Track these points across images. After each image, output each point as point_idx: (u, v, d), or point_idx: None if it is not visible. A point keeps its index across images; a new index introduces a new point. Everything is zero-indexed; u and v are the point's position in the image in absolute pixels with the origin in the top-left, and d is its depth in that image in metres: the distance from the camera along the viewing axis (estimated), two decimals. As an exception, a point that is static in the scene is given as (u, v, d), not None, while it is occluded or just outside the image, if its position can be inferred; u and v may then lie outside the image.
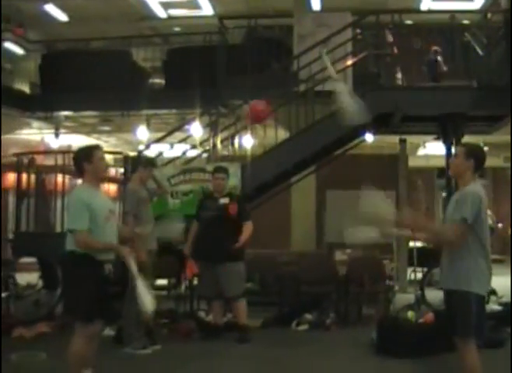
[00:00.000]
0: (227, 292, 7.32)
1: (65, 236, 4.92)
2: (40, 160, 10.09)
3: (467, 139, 10.62)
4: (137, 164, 7.32)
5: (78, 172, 4.98)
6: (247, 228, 7.31)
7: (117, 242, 4.98)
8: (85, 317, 4.77)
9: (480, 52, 9.80)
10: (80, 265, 4.76)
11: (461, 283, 4.40)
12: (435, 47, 9.73)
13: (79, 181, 5.08)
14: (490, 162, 18.64)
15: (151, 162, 7.42)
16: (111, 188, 11.08)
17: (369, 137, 10.60)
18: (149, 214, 6.97)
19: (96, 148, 5.07)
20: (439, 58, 9.66)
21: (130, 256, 4.94)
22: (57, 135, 13.37)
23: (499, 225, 16.97)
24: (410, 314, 6.83)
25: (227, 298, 7.48)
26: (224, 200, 7.38)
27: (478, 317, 4.38)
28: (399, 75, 9.91)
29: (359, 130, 9.30)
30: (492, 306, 8.52)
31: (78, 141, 14.35)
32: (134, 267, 4.94)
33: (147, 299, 4.95)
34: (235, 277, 7.28)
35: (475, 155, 4.58)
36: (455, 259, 4.44)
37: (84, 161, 4.89)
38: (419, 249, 10.83)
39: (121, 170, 9.42)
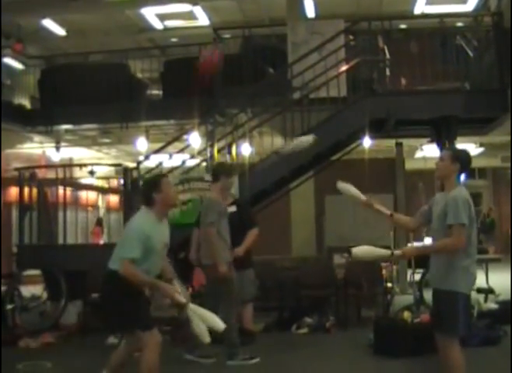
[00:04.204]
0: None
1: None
2: (42, 174, 10.23)
3: (462, 141, 10.77)
4: (219, 173, 6.97)
5: (147, 202, 4.87)
6: (251, 235, 7.31)
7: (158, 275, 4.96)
8: (145, 326, 4.75)
9: (471, 55, 9.94)
10: (123, 283, 4.69)
11: (449, 283, 4.52)
12: None
13: (143, 208, 4.89)
14: (489, 162, 18.78)
15: (234, 169, 7.21)
16: (112, 199, 11.20)
17: (366, 142, 10.67)
18: (227, 227, 6.81)
19: (163, 176, 5.18)
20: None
21: (172, 292, 4.85)
22: (58, 149, 13.54)
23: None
24: (406, 314, 6.92)
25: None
26: (230, 209, 7.32)
27: (464, 316, 4.50)
28: (392, 80, 10.04)
29: (356, 135, 9.44)
30: (490, 304, 8.65)
31: (79, 153, 14.53)
32: (180, 299, 4.80)
33: (203, 330, 4.74)
34: (245, 283, 7.36)
35: (461, 159, 4.69)
36: (444, 259, 4.55)
37: (153, 191, 4.83)
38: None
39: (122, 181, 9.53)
